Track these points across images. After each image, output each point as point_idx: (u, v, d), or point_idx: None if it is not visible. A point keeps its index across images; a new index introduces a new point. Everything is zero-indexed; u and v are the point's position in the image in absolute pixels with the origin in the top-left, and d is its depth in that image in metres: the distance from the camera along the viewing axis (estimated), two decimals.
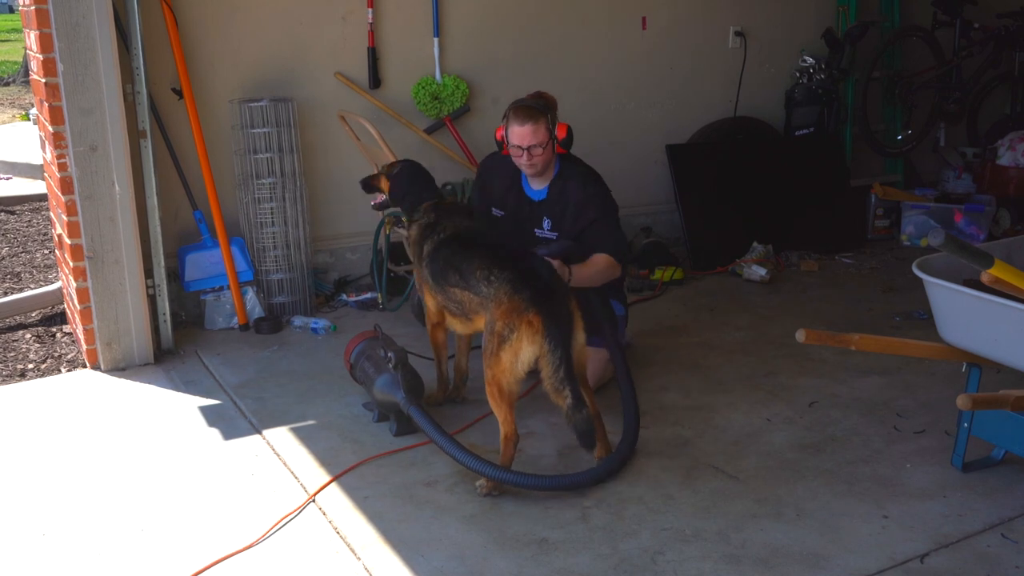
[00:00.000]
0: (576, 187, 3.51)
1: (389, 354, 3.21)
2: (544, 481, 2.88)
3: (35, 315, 4.68)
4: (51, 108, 3.67)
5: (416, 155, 4.77)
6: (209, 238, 4.38)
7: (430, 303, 3.38)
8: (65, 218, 3.78)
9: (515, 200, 3.64)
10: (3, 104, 13.00)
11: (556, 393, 2.82)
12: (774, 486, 2.94)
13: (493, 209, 3.66)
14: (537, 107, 3.44)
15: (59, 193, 3.83)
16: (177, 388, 3.74)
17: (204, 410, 3.53)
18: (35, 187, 7.69)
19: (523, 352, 2.83)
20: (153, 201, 4.02)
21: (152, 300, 4.03)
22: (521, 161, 3.47)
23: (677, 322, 4.35)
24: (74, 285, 3.87)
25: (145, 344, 3.94)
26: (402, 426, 3.27)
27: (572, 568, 2.52)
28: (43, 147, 4.25)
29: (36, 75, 3.95)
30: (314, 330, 4.31)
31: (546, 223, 3.58)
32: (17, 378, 3.94)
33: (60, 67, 3.59)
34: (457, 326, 3.32)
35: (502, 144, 3.50)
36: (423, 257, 3.31)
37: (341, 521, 2.76)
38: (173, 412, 3.52)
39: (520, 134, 3.40)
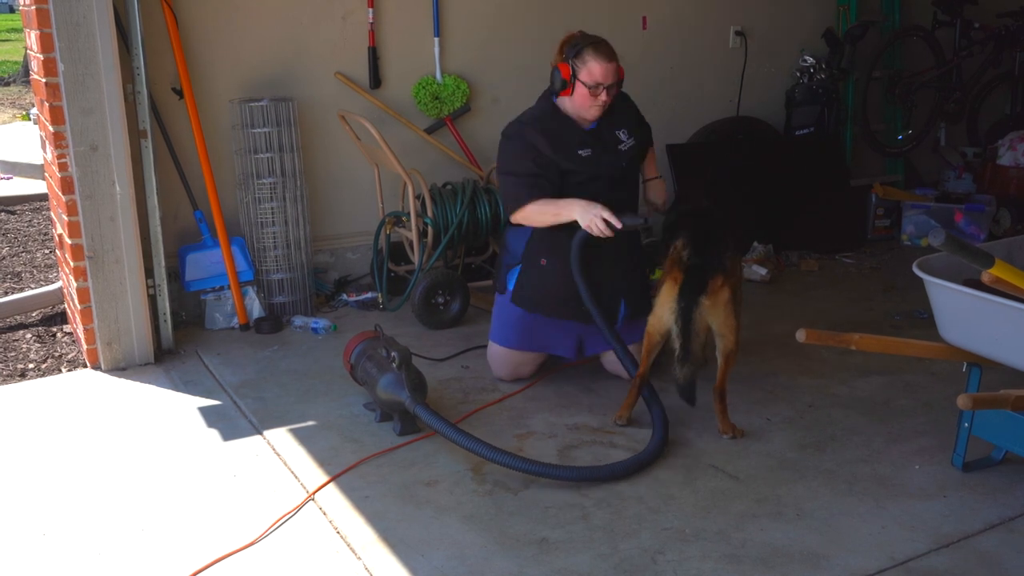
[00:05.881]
0: (619, 99, 3.57)
1: (393, 353, 3.21)
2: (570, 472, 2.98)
3: (35, 315, 4.69)
4: (51, 108, 3.67)
5: (416, 155, 4.81)
6: (209, 238, 4.38)
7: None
8: (65, 218, 3.78)
9: (588, 137, 3.51)
10: (3, 104, 13.00)
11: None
12: (774, 486, 2.94)
13: (579, 151, 3.45)
14: (608, 42, 3.44)
15: (59, 193, 3.83)
16: (177, 388, 3.74)
17: (204, 410, 3.53)
18: (35, 187, 7.69)
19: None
20: (153, 201, 4.02)
21: (152, 300, 4.03)
22: (596, 101, 3.39)
23: None
24: (74, 285, 3.88)
25: (145, 344, 3.94)
26: (407, 426, 3.27)
27: (572, 568, 2.52)
28: (43, 147, 4.25)
29: (36, 75, 3.95)
30: (314, 330, 4.31)
31: (622, 133, 3.56)
32: (17, 378, 3.94)
33: (61, 67, 3.60)
34: None
35: (566, 84, 3.39)
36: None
37: (341, 521, 2.76)
38: (173, 412, 3.53)
39: (606, 71, 3.35)
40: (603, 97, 3.41)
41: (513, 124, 3.55)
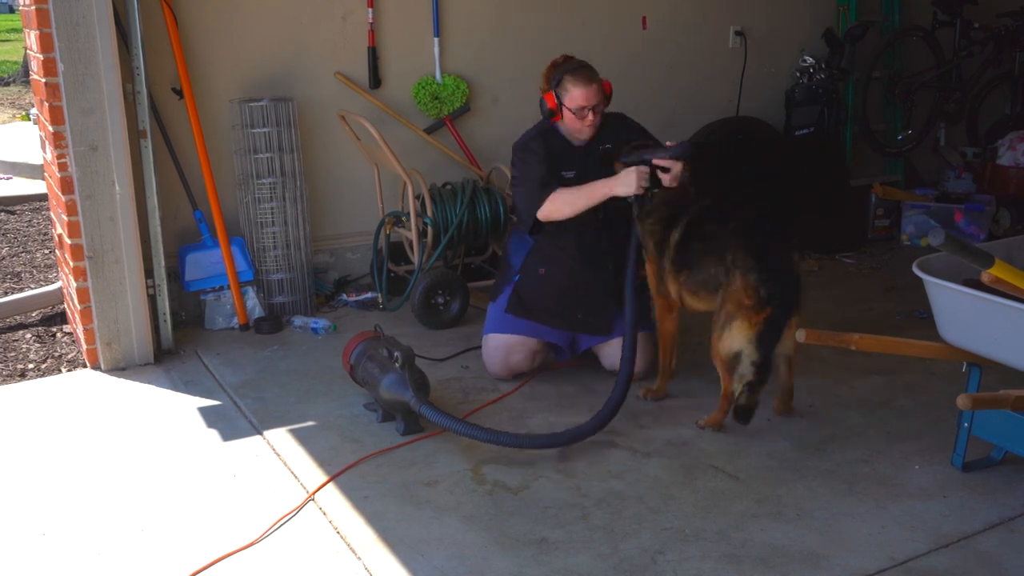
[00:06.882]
0: (613, 118, 3.65)
1: (396, 353, 3.21)
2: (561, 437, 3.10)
3: (35, 315, 4.68)
4: (51, 108, 3.67)
5: (416, 155, 4.80)
6: (209, 238, 4.38)
7: (671, 289, 3.43)
8: (65, 218, 3.78)
9: (576, 157, 3.62)
10: (3, 104, 13.00)
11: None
12: (774, 486, 2.94)
13: (563, 173, 3.58)
14: (589, 65, 3.55)
15: (59, 193, 3.83)
16: (177, 388, 3.74)
17: (204, 410, 3.53)
18: (35, 187, 7.69)
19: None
20: (153, 201, 4.02)
21: (152, 300, 4.03)
22: (584, 123, 3.53)
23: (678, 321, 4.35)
24: (74, 285, 3.88)
25: (145, 344, 3.94)
26: (410, 425, 3.27)
27: (572, 568, 2.52)
28: (43, 147, 4.25)
29: (36, 75, 3.95)
30: (314, 330, 4.31)
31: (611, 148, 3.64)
32: (17, 378, 3.94)
33: (60, 67, 3.60)
34: (698, 304, 3.41)
35: (554, 112, 3.54)
36: (668, 244, 3.39)
37: (341, 521, 2.76)
38: (173, 412, 3.53)
39: (587, 95, 3.48)
40: (590, 118, 3.53)
41: (520, 140, 3.68)
